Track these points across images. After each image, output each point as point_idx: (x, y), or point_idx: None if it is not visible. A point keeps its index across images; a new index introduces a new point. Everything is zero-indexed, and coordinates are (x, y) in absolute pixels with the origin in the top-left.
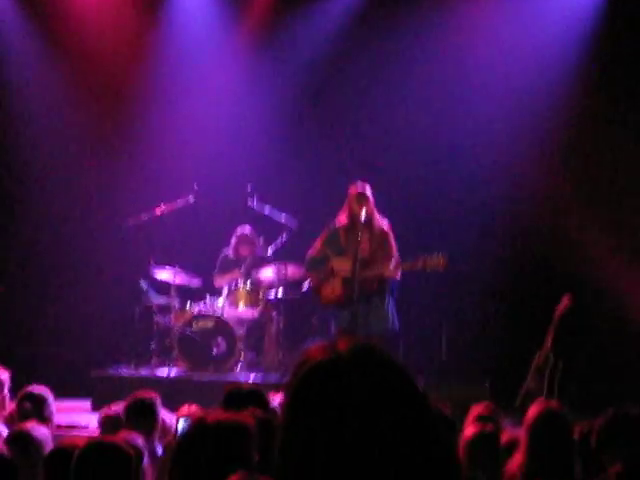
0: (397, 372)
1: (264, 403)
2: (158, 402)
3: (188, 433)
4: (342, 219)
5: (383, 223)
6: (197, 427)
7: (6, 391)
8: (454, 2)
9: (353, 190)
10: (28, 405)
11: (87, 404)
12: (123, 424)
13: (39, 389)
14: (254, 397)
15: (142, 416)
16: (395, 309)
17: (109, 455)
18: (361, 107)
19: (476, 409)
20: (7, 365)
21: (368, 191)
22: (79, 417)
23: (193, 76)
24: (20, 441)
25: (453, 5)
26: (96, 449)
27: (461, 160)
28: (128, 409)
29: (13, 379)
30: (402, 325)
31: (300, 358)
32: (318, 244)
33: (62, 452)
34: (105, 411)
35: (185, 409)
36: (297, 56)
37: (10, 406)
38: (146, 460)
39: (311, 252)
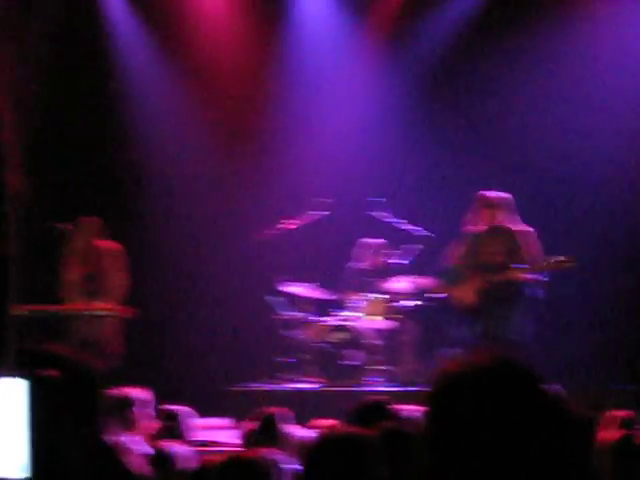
0: (533, 382)
1: (392, 415)
2: (286, 417)
3: (314, 448)
4: (473, 225)
5: (520, 227)
6: (322, 441)
7: (149, 410)
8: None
9: (481, 196)
10: (169, 423)
11: (228, 421)
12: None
13: (180, 407)
14: (382, 410)
15: (272, 431)
16: (530, 314)
17: (247, 471)
18: (493, 114)
19: (617, 414)
20: (148, 384)
21: (499, 196)
22: (221, 434)
23: (320, 87)
24: (163, 459)
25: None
26: (234, 465)
27: (596, 162)
28: (259, 425)
29: (155, 398)
30: (536, 330)
31: (439, 371)
32: (453, 251)
33: (205, 470)
34: (246, 427)
35: (320, 422)
36: (425, 60)
37: (153, 425)
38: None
39: (446, 260)
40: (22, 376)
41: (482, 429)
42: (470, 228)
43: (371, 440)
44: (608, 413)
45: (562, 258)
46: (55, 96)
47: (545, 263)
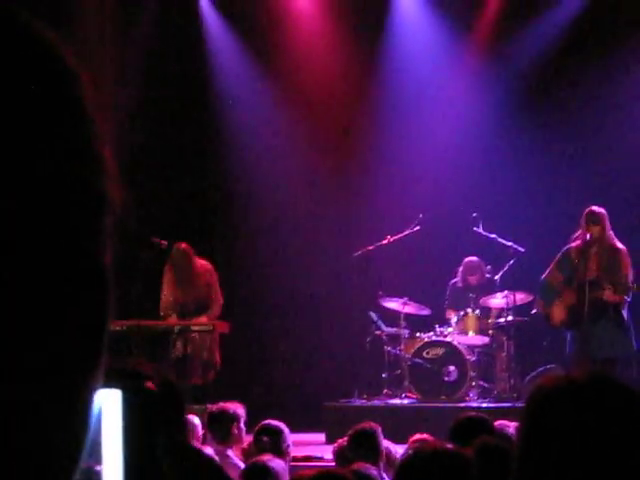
0: (630, 398)
1: (490, 431)
2: (379, 432)
3: (406, 463)
4: (575, 240)
5: (618, 245)
6: (414, 456)
7: (242, 425)
8: None
9: (586, 210)
10: (265, 439)
11: (321, 436)
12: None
13: (276, 423)
14: (480, 426)
15: (365, 447)
16: (632, 328)
17: None
18: (593, 128)
19: None
20: (242, 399)
21: (601, 211)
22: (314, 449)
23: (418, 99)
24: (257, 473)
25: None
26: (323, 479)
27: None
28: (351, 441)
29: (249, 413)
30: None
31: (535, 386)
32: (551, 267)
33: None
34: (339, 443)
35: (416, 438)
36: (525, 72)
37: (247, 440)
38: None
39: (545, 276)
40: (117, 387)
41: (576, 444)
42: (575, 242)
43: (465, 456)
44: None
45: None
46: (152, 111)
47: (635, 286)
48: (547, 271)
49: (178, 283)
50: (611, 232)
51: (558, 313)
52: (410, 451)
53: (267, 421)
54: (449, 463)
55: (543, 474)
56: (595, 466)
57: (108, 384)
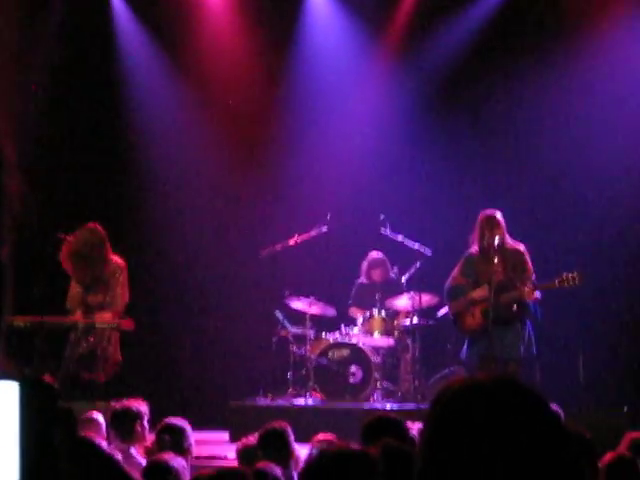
0: (536, 400)
1: (403, 433)
2: (289, 431)
3: (311, 464)
4: (475, 246)
5: (518, 246)
6: (319, 457)
7: (145, 423)
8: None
9: (483, 215)
10: (167, 437)
11: (225, 435)
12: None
13: (178, 421)
14: (393, 426)
15: (275, 446)
16: (534, 332)
17: None
18: (499, 134)
19: (632, 435)
20: (145, 397)
21: (498, 215)
22: (218, 448)
23: (327, 98)
24: (158, 472)
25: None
26: (222, 478)
27: (599, 185)
28: (261, 440)
29: (152, 411)
30: (539, 348)
31: (440, 388)
32: (456, 273)
33: None
34: (243, 442)
35: (320, 437)
36: (436, 73)
37: (149, 438)
38: None
39: (450, 282)
40: (14, 379)
41: (481, 446)
42: (475, 247)
43: (371, 457)
44: (626, 434)
45: (569, 276)
46: (58, 103)
47: (556, 281)
48: (451, 277)
49: (82, 274)
50: (510, 238)
51: (469, 320)
52: (315, 451)
53: (169, 419)
54: (355, 463)
55: (446, 476)
56: (499, 468)
57: (6, 377)
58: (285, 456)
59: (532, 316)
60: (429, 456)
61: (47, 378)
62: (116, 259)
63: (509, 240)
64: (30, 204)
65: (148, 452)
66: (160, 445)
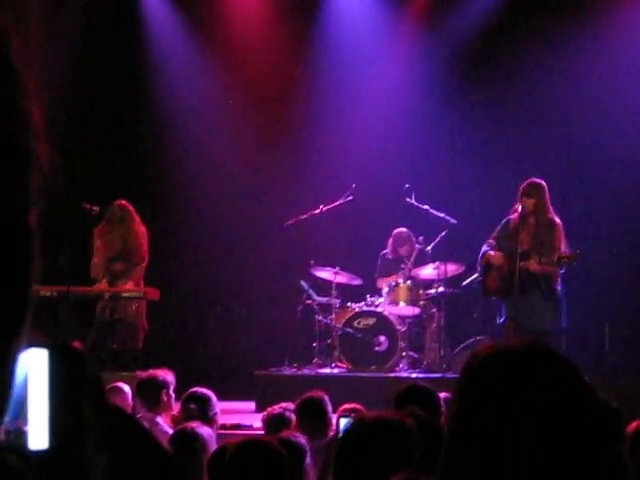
0: (568, 366)
1: (434, 403)
2: (327, 401)
3: (348, 432)
4: (514, 212)
5: (555, 219)
6: (356, 425)
7: (171, 392)
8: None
9: (528, 183)
10: (193, 406)
11: (251, 404)
12: (290, 423)
13: (203, 390)
14: (424, 396)
15: (313, 415)
16: (564, 303)
17: (261, 454)
18: (526, 104)
19: None
20: (172, 366)
21: (538, 183)
22: (244, 417)
23: (350, 74)
24: (185, 439)
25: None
26: (248, 448)
27: (630, 158)
28: (299, 409)
29: (178, 380)
30: (568, 319)
31: (471, 354)
32: (490, 238)
33: (225, 451)
34: (269, 411)
35: (346, 407)
36: (460, 51)
37: (175, 407)
38: (308, 460)
39: (484, 247)
40: (43, 346)
41: (512, 410)
42: (513, 215)
43: (408, 425)
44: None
45: (566, 255)
46: (88, 84)
47: (555, 259)
48: (486, 242)
49: (108, 245)
50: (549, 205)
51: (490, 282)
52: (347, 420)
53: (194, 389)
54: (392, 431)
55: (478, 443)
56: (529, 432)
57: (34, 344)
58: (322, 426)
59: (550, 288)
60: (459, 423)
61: (76, 345)
62: (139, 227)
63: (546, 211)
64: (58, 171)
65: (175, 421)
66: (186, 414)
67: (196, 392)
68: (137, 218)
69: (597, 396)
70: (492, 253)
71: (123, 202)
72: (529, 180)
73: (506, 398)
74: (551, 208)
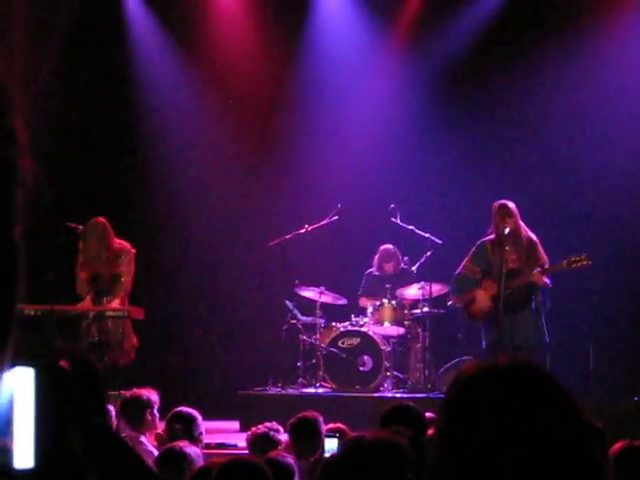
0: (553, 384)
1: (421, 422)
2: (321, 422)
3: (345, 451)
4: (489, 234)
5: (532, 235)
6: (353, 445)
7: (155, 411)
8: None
9: (495, 204)
10: (177, 426)
11: (235, 424)
12: (274, 443)
13: (188, 410)
14: (410, 415)
15: (306, 436)
16: (545, 320)
17: (247, 473)
18: (509, 123)
19: None
20: (156, 385)
21: (511, 205)
22: (228, 437)
23: (337, 90)
24: (173, 459)
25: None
26: (235, 467)
27: (613, 173)
28: (292, 430)
29: (163, 399)
30: (551, 336)
31: (457, 372)
32: (466, 261)
33: (209, 470)
34: (253, 431)
35: (331, 427)
36: (445, 65)
37: (160, 426)
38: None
39: (459, 270)
40: (29, 365)
41: (498, 428)
42: (490, 236)
43: (405, 445)
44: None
45: (578, 257)
46: (71, 94)
47: (565, 262)
48: (462, 265)
49: (92, 263)
50: (522, 223)
51: (477, 307)
52: (347, 440)
53: (179, 408)
54: (389, 452)
55: (464, 462)
56: (519, 451)
57: (21, 362)
58: (314, 446)
59: (541, 303)
60: (444, 440)
61: (63, 364)
62: (123, 244)
63: (524, 229)
64: (43, 187)
65: (160, 440)
66: (171, 434)
67: (181, 412)
68: (112, 233)
69: (582, 413)
70: (483, 285)
71: (100, 219)
72: (502, 202)
73: (492, 416)
74: (524, 226)
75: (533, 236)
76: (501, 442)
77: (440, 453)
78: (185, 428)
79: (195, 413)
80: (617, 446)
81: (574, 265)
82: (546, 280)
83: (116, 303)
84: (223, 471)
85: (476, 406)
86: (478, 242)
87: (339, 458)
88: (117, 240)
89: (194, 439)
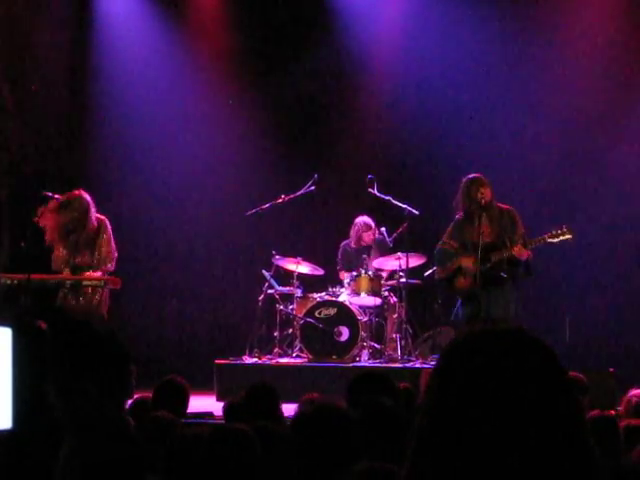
0: (545, 347)
1: (390, 388)
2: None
3: (296, 420)
4: (460, 211)
5: (507, 207)
6: (301, 414)
7: (132, 380)
8: None
9: (467, 178)
10: (157, 394)
11: (212, 393)
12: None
13: (171, 378)
14: (379, 382)
15: (263, 404)
16: (518, 294)
17: (232, 442)
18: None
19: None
20: (132, 355)
21: (483, 176)
22: (204, 407)
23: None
24: (149, 428)
25: None
26: (222, 435)
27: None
28: (248, 398)
29: (138, 370)
30: (526, 309)
31: (452, 341)
32: (445, 237)
33: (186, 439)
34: (230, 400)
35: (307, 398)
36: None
37: (135, 395)
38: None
39: (439, 245)
40: (6, 325)
41: (490, 389)
42: (460, 212)
43: (349, 415)
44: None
45: (560, 230)
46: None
47: (546, 236)
48: (441, 241)
49: (68, 234)
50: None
51: (460, 282)
52: (300, 408)
53: (172, 378)
54: (336, 420)
55: (451, 422)
56: (505, 411)
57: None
58: (274, 414)
59: (524, 274)
60: (434, 405)
61: (40, 323)
62: (99, 218)
63: (496, 201)
64: (27, 152)
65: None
66: (152, 402)
67: (174, 380)
68: (92, 208)
69: (573, 386)
70: (463, 259)
71: (77, 192)
72: (474, 175)
73: (482, 377)
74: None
75: (506, 206)
76: (490, 404)
77: (430, 422)
78: (175, 398)
79: (181, 382)
80: (593, 413)
81: (556, 239)
82: (526, 253)
83: (96, 275)
84: (211, 440)
85: (465, 368)
86: (455, 219)
87: (292, 427)
88: (95, 214)
89: (173, 408)
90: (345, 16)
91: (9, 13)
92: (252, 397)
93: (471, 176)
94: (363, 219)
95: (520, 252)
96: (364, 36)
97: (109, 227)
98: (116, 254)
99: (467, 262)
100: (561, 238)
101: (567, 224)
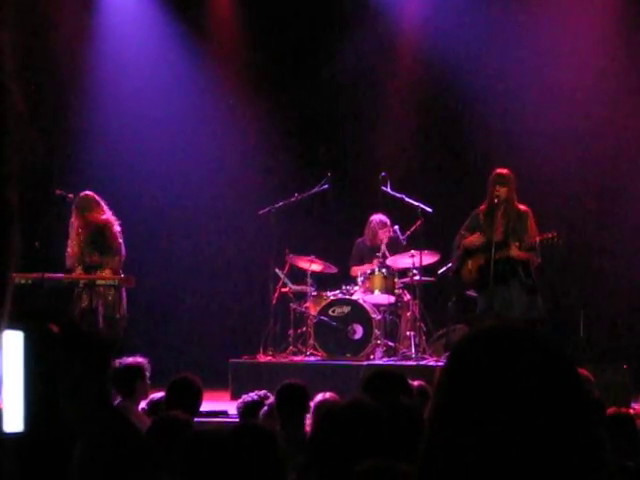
0: (556, 346)
1: (404, 386)
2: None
3: (319, 419)
4: (483, 203)
5: (523, 207)
6: (327, 413)
7: (147, 380)
8: None
9: (493, 172)
10: (180, 393)
11: (226, 392)
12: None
13: (184, 377)
14: (393, 380)
15: (293, 402)
16: (539, 293)
17: (255, 437)
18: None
19: None
20: (147, 354)
21: (508, 172)
22: (219, 405)
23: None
24: (163, 427)
25: None
26: (241, 432)
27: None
28: (278, 397)
29: (153, 369)
30: (544, 309)
31: (461, 339)
32: (462, 229)
33: (201, 438)
34: (244, 399)
35: (321, 396)
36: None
37: (151, 394)
38: None
39: (456, 237)
40: (19, 329)
41: (501, 388)
42: (482, 206)
43: (376, 412)
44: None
45: (550, 234)
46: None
47: (537, 239)
48: (458, 234)
49: (81, 234)
50: (516, 194)
51: (466, 272)
52: (325, 406)
53: (184, 375)
54: (363, 417)
55: (461, 421)
56: (517, 419)
57: (11, 326)
58: (301, 413)
59: (523, 277)
60: (443, 403)
61: (53, 328)
62: (109, 218)
63: (516, 200)
64: (38, 152)
65: (150, 408)
66: (169, 401)
67: (180, 379)
68: (103, 208)
69: (582, 381)
70: (470, 238)
71: (88, 193)
72: (499, 169)
73: (494, 371)
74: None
75: (524, 207)
76: (499, 409)
77: (440, 421)
78: (186, 395)
79: (193, 380)
80: (608, 411)
81: (545, 242)
82: (523, 255)
83: (108, 273)
84: (230, 438)
85: (475, 366)
86: (473, 211)
87: (315, 426)
88: (105, 213)
89: (196, 407)
90: (363, 19)
91: (24, 17)
92: (282, 395)
93: (496, 171)
94: (378, 216)
95: (515, 254)
96: (379, 41)
97: (117, 226)
98: (124, 252)
99: (470, 239)
100: (550, 242)
101: (557, 230)
